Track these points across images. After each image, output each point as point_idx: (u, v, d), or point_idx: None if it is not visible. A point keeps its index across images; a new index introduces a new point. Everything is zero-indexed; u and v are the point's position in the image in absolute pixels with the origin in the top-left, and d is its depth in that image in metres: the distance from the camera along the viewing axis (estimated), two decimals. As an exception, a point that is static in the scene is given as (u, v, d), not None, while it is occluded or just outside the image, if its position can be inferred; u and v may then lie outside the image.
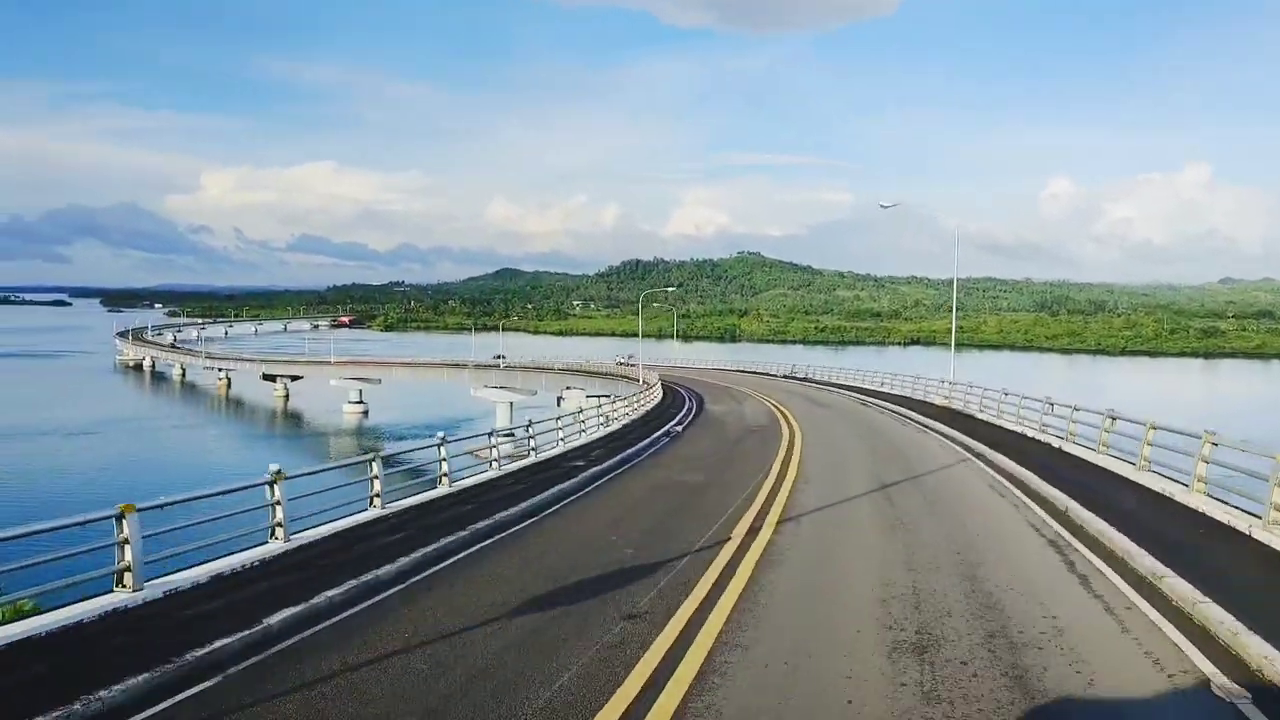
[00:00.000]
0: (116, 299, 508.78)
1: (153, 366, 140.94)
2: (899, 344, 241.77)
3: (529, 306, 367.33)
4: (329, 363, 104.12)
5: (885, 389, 56.61)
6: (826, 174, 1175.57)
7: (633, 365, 79.57)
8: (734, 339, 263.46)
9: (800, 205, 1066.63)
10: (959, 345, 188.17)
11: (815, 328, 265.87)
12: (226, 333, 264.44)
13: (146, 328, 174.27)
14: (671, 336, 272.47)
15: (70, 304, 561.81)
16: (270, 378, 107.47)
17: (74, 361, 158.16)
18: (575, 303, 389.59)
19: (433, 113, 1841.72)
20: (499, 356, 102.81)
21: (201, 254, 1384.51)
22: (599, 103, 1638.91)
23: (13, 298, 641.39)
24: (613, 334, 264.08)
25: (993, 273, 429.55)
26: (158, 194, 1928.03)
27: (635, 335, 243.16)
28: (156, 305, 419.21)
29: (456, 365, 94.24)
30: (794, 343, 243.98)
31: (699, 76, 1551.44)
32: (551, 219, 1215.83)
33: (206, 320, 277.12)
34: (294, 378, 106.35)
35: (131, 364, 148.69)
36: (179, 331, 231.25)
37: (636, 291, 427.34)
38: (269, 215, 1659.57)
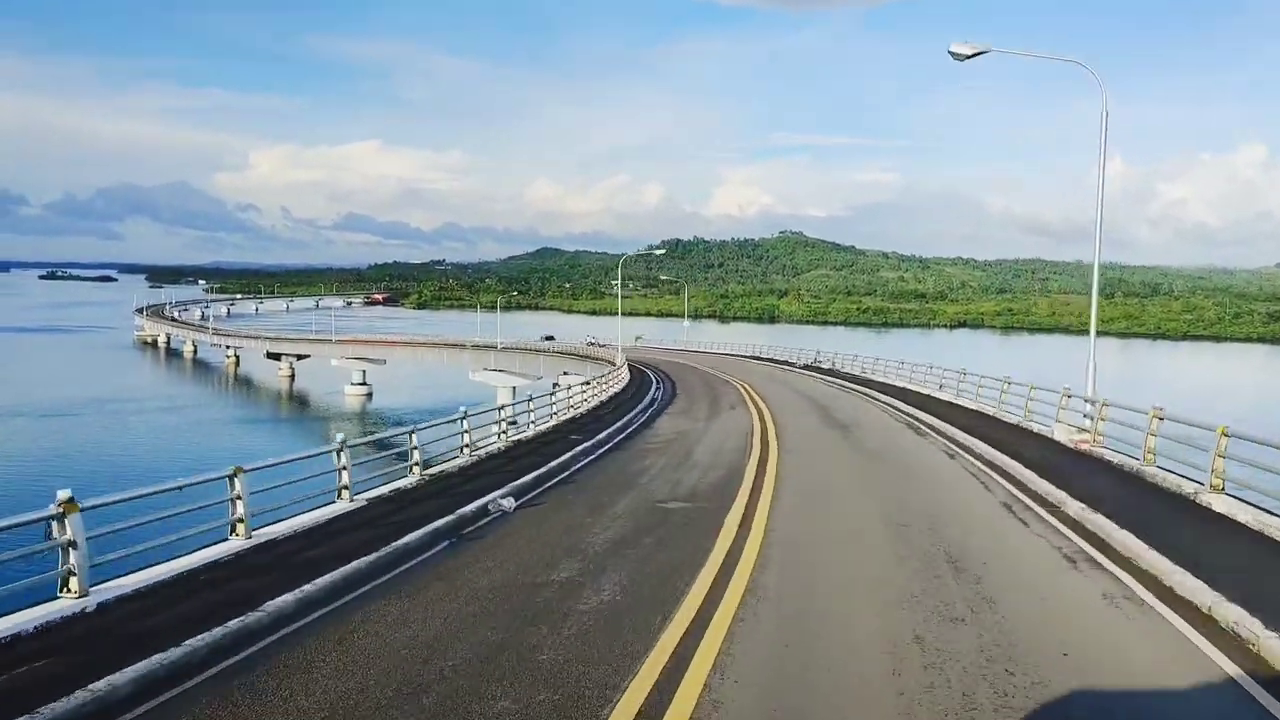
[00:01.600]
0: (161, 275, 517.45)
1: (168, 343, 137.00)
2: (945, 326, 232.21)
3: (566, 286, 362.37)
4: (331, 341, 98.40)
5: (945, 395, 36.14)
6: (872, 154, 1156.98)
7: (602, 346, 76.27)
8: (773, 320, 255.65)
9: (844, 186, 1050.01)
10: (1007, 327, 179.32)
11: (857, 309, 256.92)
12: (257, 309, 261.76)
13: (165, 304, 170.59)
14: (709, 316, 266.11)
15: (116, 280, 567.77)
16: (275, 356, 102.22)
17: (93, 337, 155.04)
18: (613, 282, 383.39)
19: (477, 91, 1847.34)
20: (548, 338, 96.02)
21: (249, 232, 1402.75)
22: (643, 82, 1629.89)
23: (60, 273, 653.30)
24: (647, 314, 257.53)
25: (1041, 254, 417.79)
26: (207, 172, 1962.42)
27: (673, 315, 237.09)
28: (201, 282, 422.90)
29: (455, 345, 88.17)
30: (835, 324, 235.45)
31: (743, 55, 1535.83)
32: (594, 199, 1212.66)
33: (238, 296, 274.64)
34: (300, 356, 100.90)
35: (149, 340, 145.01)
36: (207, 307, 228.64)
37: (676, 271, 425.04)
38: (316, 193, 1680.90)
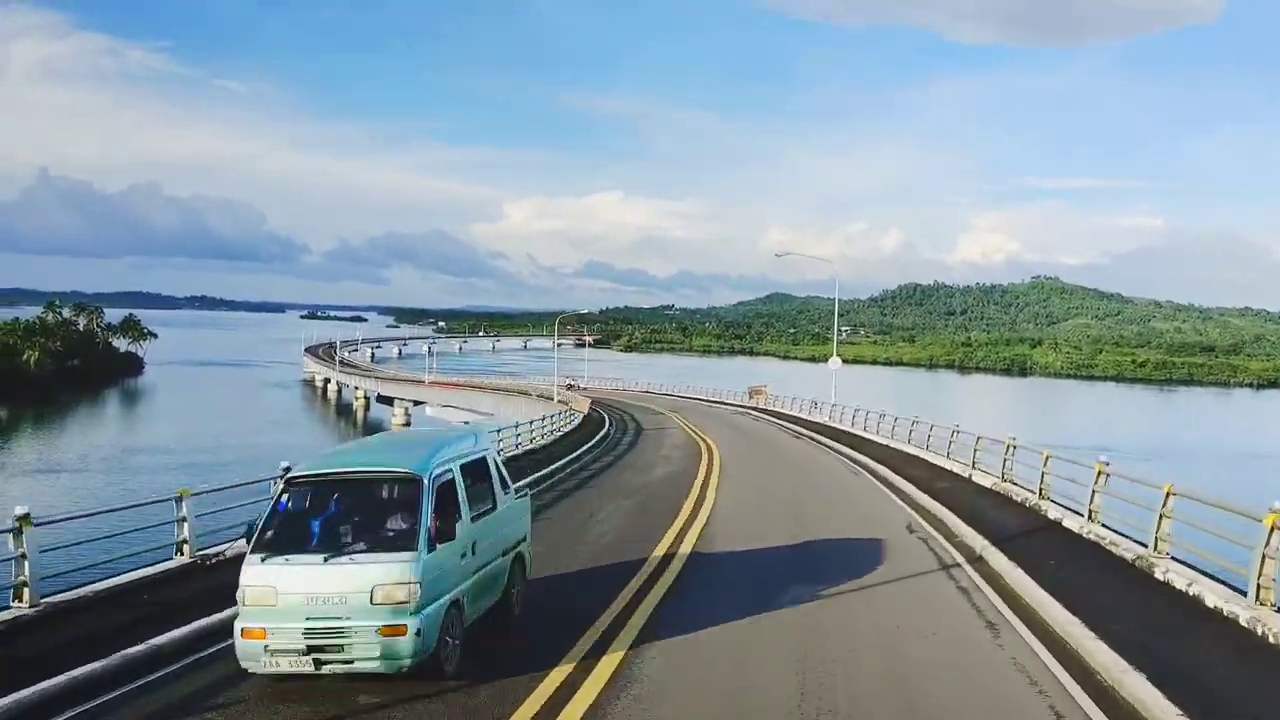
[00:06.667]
0: (407, 316, 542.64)
1: (326, 382, 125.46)
2: (1248, 385, 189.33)
3: (792, 331, 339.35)
4: (424, 383, 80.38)
5: None
6: (1134, 198, 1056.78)
7: (572, 390, 70.28)
8: (1024, 372, 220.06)
9: (1102, 232, 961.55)
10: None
11: (1131, 362, 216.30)
12: (460, 348, 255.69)
13: (333, 342, 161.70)
14: (947, 366, 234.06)
15: (366, 320, 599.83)
16: (387, 400, 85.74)
17: (266, 374, 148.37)
18: (843, 328, 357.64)
19: (715, 140, 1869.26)
20: (570, 385, 77.29)
21: (499, 278, 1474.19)
22: (883, 127, 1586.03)
23: (319, 314, 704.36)
24: (873, 361, 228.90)
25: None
26: (465, 222, 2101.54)
27: (901, 364, 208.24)
28: (440, 323, 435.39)
29: (522, 393, 68.04)
30: (1102, 379, 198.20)
31: (989, 96, 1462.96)
32: (829, 246, 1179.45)
33: (438, 335, 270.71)
34: (416, 402, 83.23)
35: (317, 379, 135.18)
36: (404, 345, 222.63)
37: (913, 318, 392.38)
38: (560, 242, 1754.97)
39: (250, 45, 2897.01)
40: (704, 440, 37.33)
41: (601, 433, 39.34)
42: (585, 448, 32.69)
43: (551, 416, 39.01)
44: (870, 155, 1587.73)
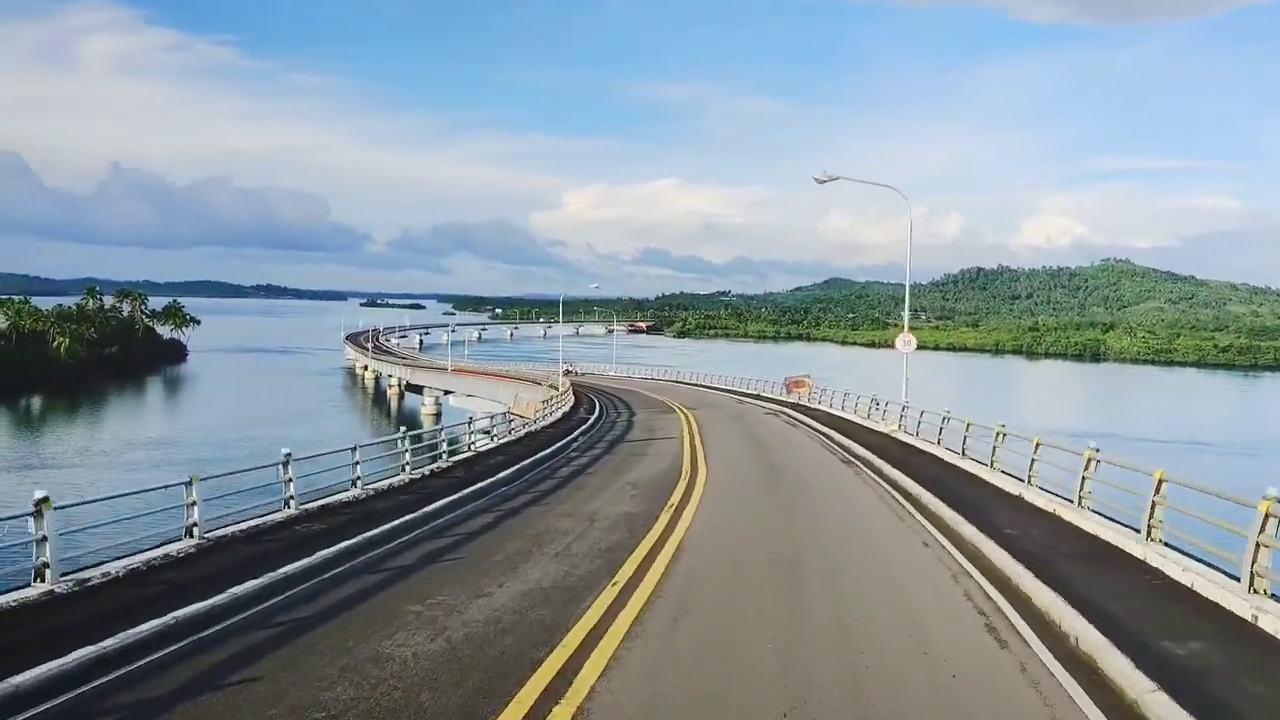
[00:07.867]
0: (464, 304, 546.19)
1: (364, 370, 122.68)
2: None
3: (851, 316, 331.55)
4: (448, 370, 76.14)
5: None
6: (1206, 178, 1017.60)
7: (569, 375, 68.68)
8: (1097, 358, 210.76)
9: (1173, 213, 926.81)
10: None
11: (1214, 347, 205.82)
12: (511, 335, 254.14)
13: (376, 329, 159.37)
14: (1014, 352, 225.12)
15: (424, 308, 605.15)
16: (416, 388, 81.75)
17: (310, 361, 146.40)
18: (903, 313, 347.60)
19: (775, 126, 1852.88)
20: (568, 371, 75.09)
21: (558, 266, 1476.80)
22: (944, 108, 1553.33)
23: (378, 301, 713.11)
24: (935, 347, 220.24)
25: None
26: (525, 211, 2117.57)
27: (965, 349, 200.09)
28: (497, 310, 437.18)
29: (534, 382, 63.40)
30: (1182, 364, 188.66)
31: (1055, 76, 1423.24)
32: (889, 230, 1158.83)
33: (490, 321, 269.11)
34: (446, 391, 79.02)
35: (357, 367, 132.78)
36: (452, 332, 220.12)
37: (976, 302, 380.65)
38: (618, 229, 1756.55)
39: (317, 39, 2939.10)
40: (696, 467, 24.86)
41: (542, 453, 27.09)
42: (460, 495, 18.86)
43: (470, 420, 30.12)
44: (932, 139, 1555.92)
